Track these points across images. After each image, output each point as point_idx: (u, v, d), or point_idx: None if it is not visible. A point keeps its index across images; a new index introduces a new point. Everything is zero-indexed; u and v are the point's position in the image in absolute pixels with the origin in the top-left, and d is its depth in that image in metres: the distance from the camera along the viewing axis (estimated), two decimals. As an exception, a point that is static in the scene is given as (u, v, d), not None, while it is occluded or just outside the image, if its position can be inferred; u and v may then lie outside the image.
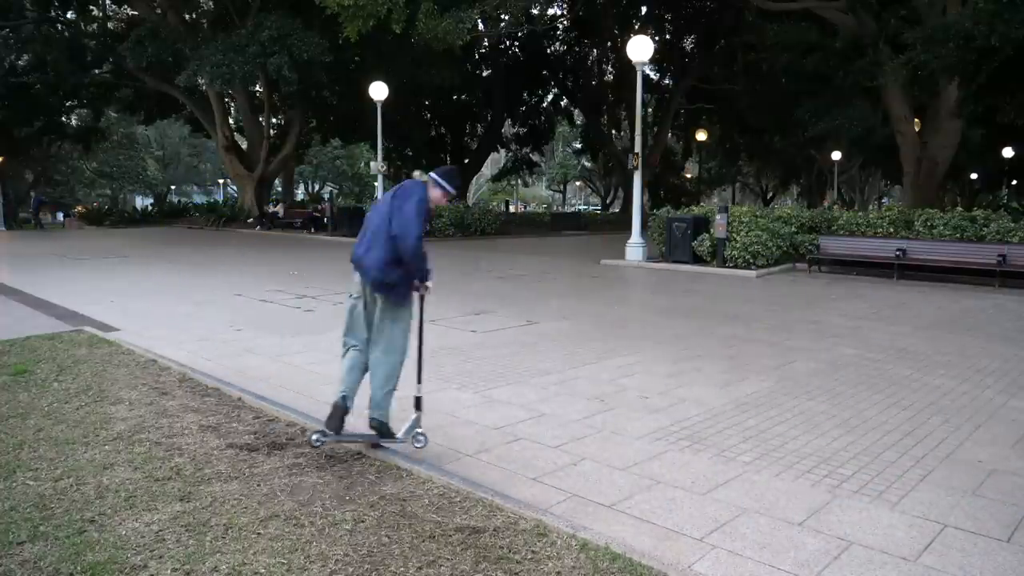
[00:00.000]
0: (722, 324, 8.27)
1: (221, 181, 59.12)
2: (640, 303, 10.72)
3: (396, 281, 3.88)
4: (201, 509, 3.17)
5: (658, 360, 6.39)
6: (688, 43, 35.79)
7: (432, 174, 4.06)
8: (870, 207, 44.39)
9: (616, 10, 31.87)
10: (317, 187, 60.14)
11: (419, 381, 3.93)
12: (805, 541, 3.06)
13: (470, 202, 40.21)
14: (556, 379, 5.63)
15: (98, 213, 36.01)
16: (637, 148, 15.98)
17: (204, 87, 25.55)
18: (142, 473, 3.56)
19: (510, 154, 43.23)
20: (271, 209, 29.42)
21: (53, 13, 30.11)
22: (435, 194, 3.99)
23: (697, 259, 14.51)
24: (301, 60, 21.51)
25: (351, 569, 2.71)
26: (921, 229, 13.29)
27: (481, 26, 26.13)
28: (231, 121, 32.48)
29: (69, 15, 31.13)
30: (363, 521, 3.10)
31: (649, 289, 12.13)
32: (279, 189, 35.96)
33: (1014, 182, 39.41)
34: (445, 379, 5.63)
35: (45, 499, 3.24)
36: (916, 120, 20.53)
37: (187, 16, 28.67)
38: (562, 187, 65.11)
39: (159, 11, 27.62)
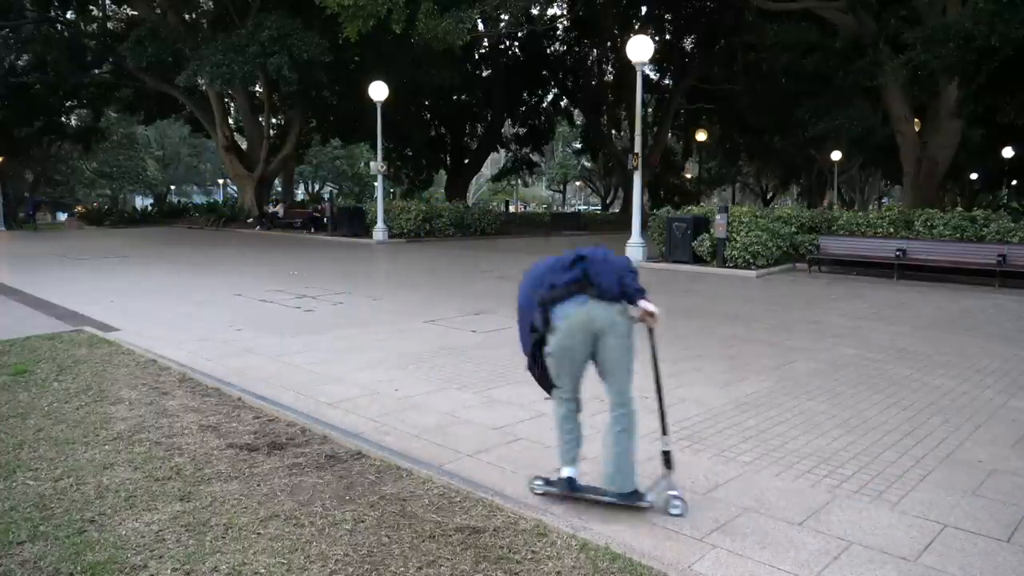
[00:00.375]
0: (722, 324, 8.27)
1: (221, 181, 59.13)
2: (640, 303, 10.70)
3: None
4: (201, 509, 3.17)
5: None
6: (688, 43, 35.77)
7: None
8: (870, 207, 44.41)
9: (616, 10, 31.85)
10: (317, 187, 60.14)
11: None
12: (805, 541, 3.06)
13: (470, 202, 40.25)
14: (556, 379, 5.63)
15: (98, 213, 36.01)
16: (637, 148, 15.97)
17: (204, 87, 25.55)
18: (142, 473, 3.56)
19: (510, 154, 43.22)
20: (271, 209, 29.42)
21: (53, 13, 30.09)
22: None
23: (697, 259, 14.51)
24: (301, 60, 21.51)
25: (351, 569, 2.71)
26: (921, 229, 13.29)
27: (481, 26, 26.13)
28: (231, 121, 32.48)
29: (69, 15, 31.11)
30: (363, 521, 3.10)
31: (649, 289, 12.10)
32: (279, 189, 35.95)
33: (1014, 182, 39.39)
34: (445, 379, 5.63)
35: (45, 499, 3.24)
36: (916, 120, 20.52)
37: (187, 16, 28.66)
38: (562, 187, 65.10)
39: (159, 11, 27.61)
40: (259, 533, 2.96)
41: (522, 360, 3.55)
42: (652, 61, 26.09)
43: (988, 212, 13.57)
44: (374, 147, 23.71)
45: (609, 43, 33.99)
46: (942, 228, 13.02)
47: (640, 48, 15.48)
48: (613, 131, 40.37)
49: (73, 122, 38.19)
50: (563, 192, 66.87)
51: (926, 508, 3.39)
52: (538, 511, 3.23)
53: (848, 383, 5.66)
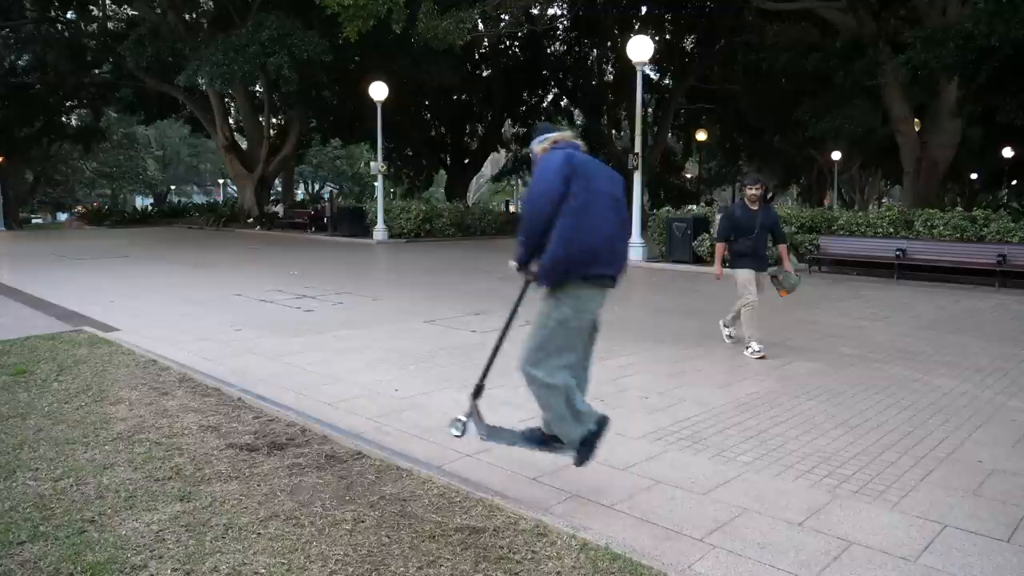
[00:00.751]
0: (722, 324, 8.26)
1: (221, 181, 59.08)
2: (640, 303, 10.71)
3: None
4: (201, 509, 3.17)
5: (658, 360, 6.39)
6: (688, 43, 35.76)
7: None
8: (870, 207, 44.39)
9: (616, 10, 31.83)
10: (317, 187, 60.14)
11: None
12: (805, 541, 3.06)
13: (470, 202, 40.24)
14: (556, 379, 5.63)
15: (98, 213, 36.03)
16: (637, 148, 15.98)
17: (204, 87, 25.53)
18: (142, 473, 3.56)
19: (510, 154, 43.22)
20: (271, 209, 29.43)
21: (53, 13, 30.06)
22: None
23: (697, 259, 14.51)
24: (301, 60, 21.50)
25: (351, 569, 2.71)
26: (921, 229, 13.29)
27: (481, 26, 26.11)
28: (231, 121, 32.46)
29: (69, 15, 31.08)
30: (363, 521, 3.10)
31: (649, 289, 12.12)
32: (279, 189, 35.96)
33: (1014, 182, 39.38)
34: (445, 379, 5.63)
35: (45, 499, 3.24)
36: (916, 120, 20.51)
37: (187, 16, 28.65)
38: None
39: (159, 11, 27.59)
40: (259, 533, 2.96)
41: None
42: (652, 61, 26.04)
43: (988, 212, 13.57)
44: (374, 147, 23.72)
45: (609, 43, 33.97)
46: (942, 228, 13.02)
47: (640, 48, 15.49)
48: (613, 131, 40.34)
49: (73, 122, 38.19)
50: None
51: (926, 508, 3.39)
52: (538, 511, 3.23)
53: (848, 383, 5.66)
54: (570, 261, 3.16)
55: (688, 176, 47.47)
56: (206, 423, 4.36)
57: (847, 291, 11.35)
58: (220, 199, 47.12)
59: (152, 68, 26.39)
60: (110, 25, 32.16)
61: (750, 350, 6.57)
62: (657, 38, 31.07)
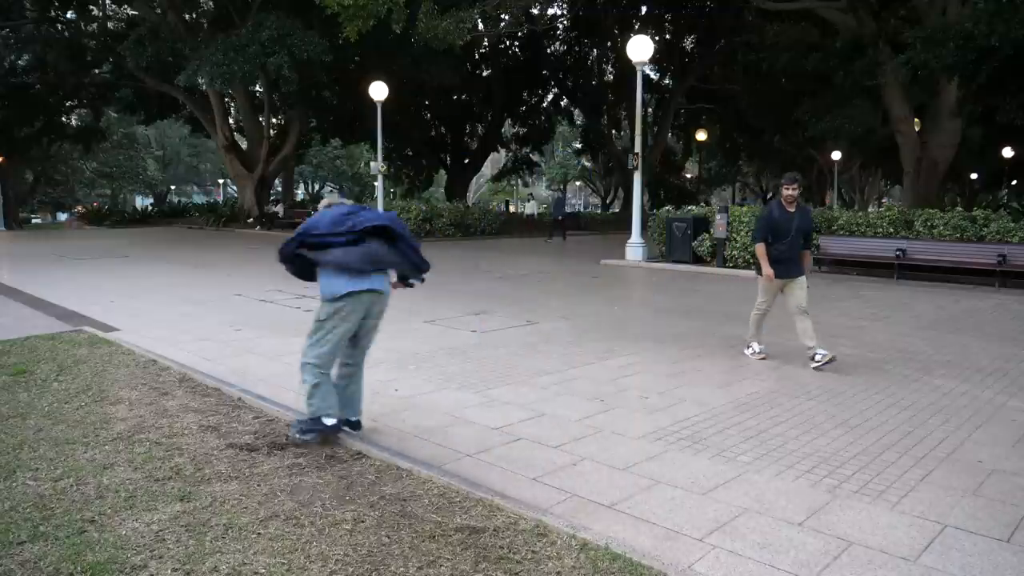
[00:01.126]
0: (722, 324, 8.27)
1: (221, 181, 59.11)
2: (640, 303, 10.72)
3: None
4: (201, 509, 3.17)
5: (658, 360, 6.39)
6: (688, 43, 35.77)
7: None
8: (870, 207, 44.38)
9: (616, 10, 31.85)
10: (317, 187, 60.14)
11: None
12: (805, 541, 3.06)
13: (470, 202, 40.24)
14: (556, 379, 5.63)
15: (98, 213, 36.02)
16: (637, 148, 15.98)
17: (204, 87, 25.55)
18: (142, 473, 3.56)
19: (510, 154, 43.23)
20: (271, 209, 29.42)
21: (53, 13, 30.06)
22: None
23: (697, 259, 14.51)
24: (301, 60, 21.50)
25: (351, 569, 2.71)
26: (921, 229, 13.29)
27: (481, 26, 26.12)
28: (231, 121, 32.46)
29: (69, 15, 31.08)
30: (363, 521, 3.10)
31: (649, 289, 12.13)
32: (279, 189, 35.96)
33: (1014, 182, 39.39)
34: (445, 379, 5.63)
35: (45, 499, 3.24)
36: (916, 120, 20.52)
37: (187, 16, 28.64)
38: (562, 187, 65.08)
39: (159, 11, 27.59)
40: (259, 533, 2.96)
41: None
42: (652, 61, 26.08)
43: (988, 212, 13.57)
44: (374, 147, 23.71)
45: (609, 43, 33.99)
46: (942, 228, 13.01)
47: (640, 48, 15.50)
48: (613, 131, 40.36)
49: (73, 122, 38.19)
50: (563, 192, 66.83)
51: (926, 508, 3.39)
52: (538, 511, 3.23)
53: (848, 383, 5.66)
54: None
55: (688, 176, 47.47)
56: (206, 423, 4.36)
57: (847, 291, 11.35)
58: (220, 199, 47.12)
59: (152, 68, 26.38)
60: (110, 25, 32.15)
61: (751, 350, 6.55)
62: (657, 38, 31.09)
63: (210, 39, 24.30)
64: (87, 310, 8.57)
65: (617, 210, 43.46)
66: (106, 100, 34.18)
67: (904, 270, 12.74)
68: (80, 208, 43.64)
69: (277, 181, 34.90)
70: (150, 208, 41.26)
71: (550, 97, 39.67)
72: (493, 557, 2.80)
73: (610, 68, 37.20)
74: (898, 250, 12.80)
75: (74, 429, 4.19)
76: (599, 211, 52.29)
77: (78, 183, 50.41)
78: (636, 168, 15.84)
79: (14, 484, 3.41)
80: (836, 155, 35.22)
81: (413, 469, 3.69)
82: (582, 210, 56.96)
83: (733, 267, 13.76)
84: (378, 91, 21.44)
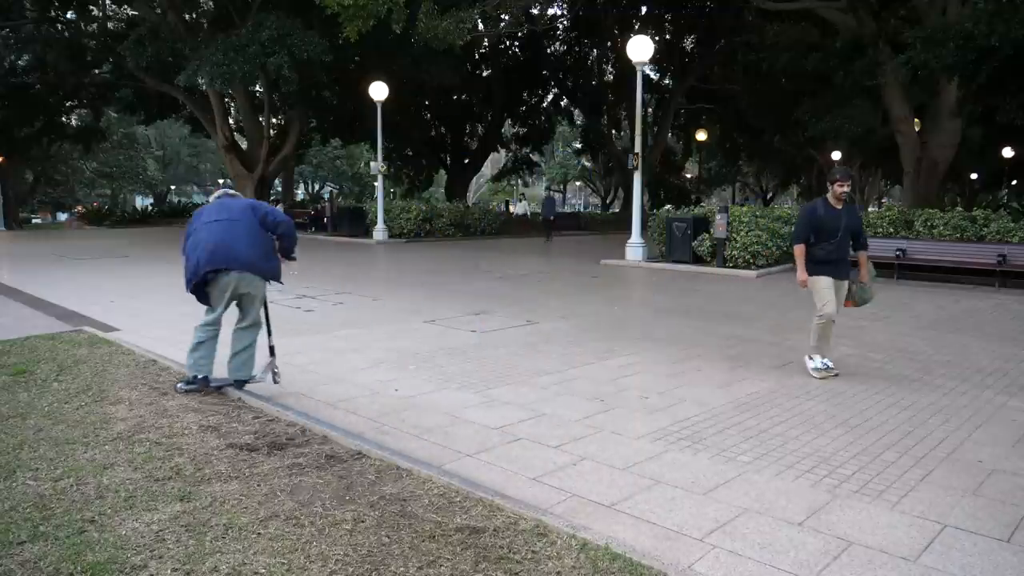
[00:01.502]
0: (722, 324, 8.27)
1: (221, 181, 59.07)
2: (640, 303, 10.72)
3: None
4: (201, 509, 3.17)
5: (658, 360, 6.39)
6: (688, 43, 35.77)
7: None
8: (870, 207, 44.38)
9: (616, 10, 31.84)
10: (317, 187, 60.14)
11: (270, 334, 5.56)
12: (805, 541, 3.06)
13: (470, 202, 40.23)
14: (556, 379, 5.63)
15: (98, 213, 36.01)
16: (637, 148, 15.98)
17: (204, 87, 25.53)
18: (142, 473, 3.56)
19: (510, 154, 43.22)
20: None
21: (53, 13, 30.04)
22: None
23: (697, 259, 14.51)
24: (301, 60, 21.49)
25: (351, 569, 2.71)
26: (921, 229, 13.30)
27: (481, 26, 26.11)
28: (231, 121, 32.46)
29: (69, 15, 31.07)
30: (363, 521, 3.10)
31: (649, 289, 12.13)
32: (279, 189, 35.95)
33: (1014, 182, 39.39)
34: (445, 379, 5.63)
35: (45, 499, 3.24)
36: (916, 120, 20.51)
37: (187, 16, 28.61)
38: (562, 187, 65.10)
39: (159, 11, 27.58)
40: (259, 533, 2.96)
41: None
42: (652, 61, 26.07)
43: (988, 212, 13.58)
44: (374, 147, 23.71)
45: (609, 43, 33.98)
46: (942, 228, 13.02)
47: (640, 48, 15.50)
48: (613, 131, 40.36)
49: (73, 122, 38.17)
50: (563, 192, 66.85)
51: (926, 508, 3.39)
52: (538, 511, 3.23)
53: (848, 383, 5.66)
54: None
55: (688, 176, 47.47)
56: (206, 423, 4.36)
57: (847, 291, 11.33)
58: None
59: (152, 68, 26.36)
60: (110, 25, 32.13)
61: (813, 364, 5.89)
62: (657, 38, 31.09)
63: (210, 39, 24.28)
64: (87, 310, 8.57)
65: (617, 210, 43.46)
66: (106, 100, 34.15)
67: (904, 270, 12.75)
68: (80, 208, 43.64)
69: (277, 181, 34.90)
70: (150, 208, 41.24)
71: (550, 97, 39.67)
72: (493, 557, 2.80)
73: (610, 68, 37.20)
74: (898, 250, 12.81)
75: (74, 429, 4.19)
76: (599, 211, 52.30)
77: (78, 183, 50.37)
78: (636, 168, 15.84)
79: (14, 484, 3.40)
80: (836, 155, 35.20)
81: (413, 469, 3.69)
82: (582, 210, 57.02)
83: (733, 267, 13.76)
84: (378, 91, 21.44)
